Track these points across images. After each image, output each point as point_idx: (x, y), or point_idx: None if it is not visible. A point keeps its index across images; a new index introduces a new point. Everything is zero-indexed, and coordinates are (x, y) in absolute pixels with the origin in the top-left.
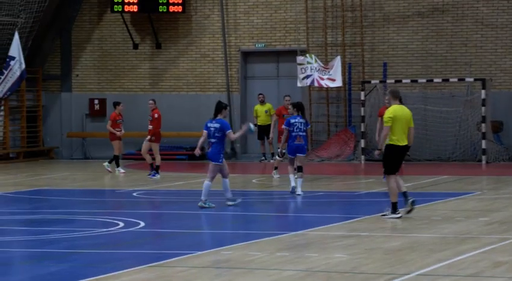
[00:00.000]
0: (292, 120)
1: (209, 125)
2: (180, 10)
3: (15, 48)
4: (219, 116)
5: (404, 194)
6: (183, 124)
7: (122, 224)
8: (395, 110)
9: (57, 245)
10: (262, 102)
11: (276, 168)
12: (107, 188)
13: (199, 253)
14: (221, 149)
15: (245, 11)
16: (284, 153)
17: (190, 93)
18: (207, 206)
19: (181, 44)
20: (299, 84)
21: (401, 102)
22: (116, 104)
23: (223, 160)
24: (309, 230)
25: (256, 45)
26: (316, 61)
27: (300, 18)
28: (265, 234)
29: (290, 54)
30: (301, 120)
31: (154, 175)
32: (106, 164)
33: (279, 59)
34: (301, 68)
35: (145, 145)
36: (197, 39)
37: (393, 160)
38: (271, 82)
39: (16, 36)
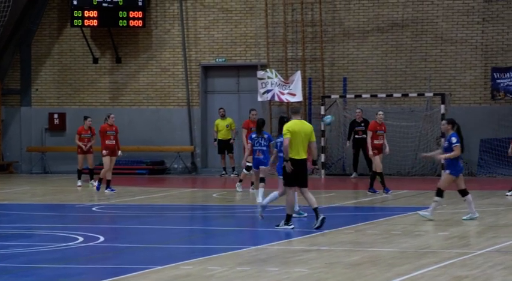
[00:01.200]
0: (254, 136)
1: (277, 140)
2: (141, 25)
3: None
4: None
5: (316, 210)
6: (143, 138)
7: (81, 239)
8: (294, 124)
9: (16, 260)
10: (223, 117)
11: (240, 181)
12: (66, 203)
13: (159, 267)
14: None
15: (205, 25)
16: (249, 166)
17: (151, 107)
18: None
19: (141, 58)
20: (259, 99)
21: (301, 117)
22: (84, 118)
23: None
24: (269, 244)
25: (217, 60)
26: (276, 76)
27: (260, 33)
28: (226, 248)
29: (250, 69)
30: (264, 135)
31: (113, 190)
32: (91, 182)
33: (240, 73)
34: (262, 83)
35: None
36: (157, 54)
37: (292, 172)
38: (231, 97)
39: None
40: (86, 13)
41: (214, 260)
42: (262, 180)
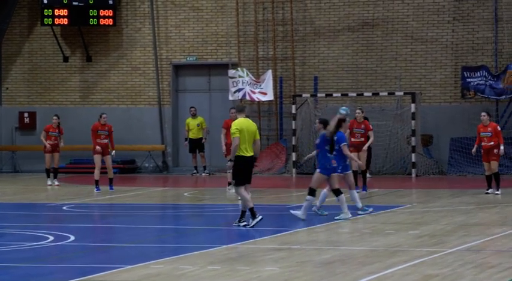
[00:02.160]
0: None
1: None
2: (111, 23)
3: None
4: (341, 130)
5: (252, 210)
6: (114, 137)
7: (51, 238)
8: (241, 122)
9: None
10: (194, 116)
11: (230, 183)
12: (37, 202)
13: (129, 266)
14: (340, 161)
15: (176, 24)
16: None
17: (122, 106)
18: (320, 213)
19: (112, 57)
20: (231, 98)
21: (246, 116)
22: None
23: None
24: (240, 243)
25: (188, 58)
26: (247, 75)
27: (231, 32)
28: (197, 247)
29: (222, 68)
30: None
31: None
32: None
33: (211, 72)
34: (233, 82)
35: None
36: (128, 52)
37: (241, 170)
38: (202, 95)
39: None
40: (56, 11)
41: (185, 259)
42: None
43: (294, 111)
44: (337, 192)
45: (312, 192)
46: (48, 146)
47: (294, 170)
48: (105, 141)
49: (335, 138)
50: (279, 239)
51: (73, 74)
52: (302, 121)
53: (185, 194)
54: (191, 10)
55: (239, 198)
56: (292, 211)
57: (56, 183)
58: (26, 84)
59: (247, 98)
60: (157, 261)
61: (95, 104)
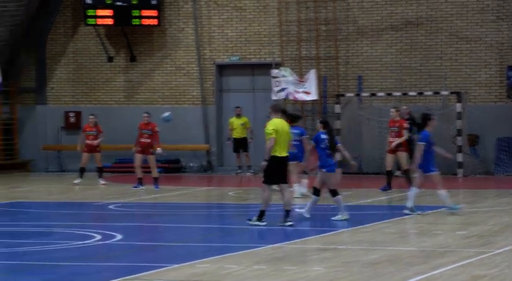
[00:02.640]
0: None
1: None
2: (155, 23)
3: None
4: (426, 128)
5: (262, 213)
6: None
7: (98, 237)
8: (276, 123)
9: (34, 257)
10: (239, 116)
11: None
12: (83, 201)
13: (176, 265)
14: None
15: (219, 24)
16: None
17: (165, 106)
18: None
19: (156, 57)
20: (274, 98)
21: (283, 115)
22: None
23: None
24: (286, 243)
25: (231, 58)
26: (291, 74)
27: (274, 31)
28: (242, 247)
29: (265, 68)
30: (295, 130)
31: (137, 187)
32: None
33: (254, 72)
34: (276, 81)
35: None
36: (172, 52)
37: (274, 169)
38: (246, 95)
39: None
40: (100, 12)
41: (231, 258)
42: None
43: (338, 110)
44: (334, 192)
45: (317, 192)
46: (78, 147)
47: (338, 170)
48: (148, 140)
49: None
50: (325, 239)
51: (117, 74)
52: (346, 121)
53: (230, 193)
54: (234, 10)
55: (295, 197)
56: (297, 210)
57: (102, 182)
58: (71, 84)
59: (291, 97)
60: (203, 260)
61: (139, 103)
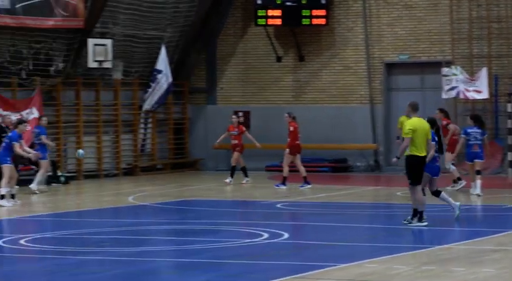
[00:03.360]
0: (470, 130)
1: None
2: (324, 23)
3: (162, 62)
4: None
5: (421, 213)
6: (325, 136)
7: (266, 235)
8: (414, 122)
9: (202, 255)
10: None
11: (455, 181)
12: (251, 199)
13: (343, 265)
14: None
15: (389, 22)
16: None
17: (333, 105)
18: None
19: (324, 56)
20: (444, 96)
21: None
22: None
23: None
24: (455, 244)
25: (400, 57)
26: (461, 73)
27: (444, 29)
28: (410, 248)
29: (435, 66)
30: (478, 130)
31: (303, 186)
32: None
33: (423, 70)
34: (446, 80)
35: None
36: (340, 52)
37: (415, 169)
38: (415, 94)
39: (163, 50)
40: (270, 12)
41: (399, 259)
42: (478, 172)
43: (509, 109)
44: (437, 193)
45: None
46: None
47: (510, 170)
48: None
49: None
50: (495, 240)
51: (286, 73)
52: None
53: (398, 193)
54: (404, 8)
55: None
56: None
57: (244, 181)
58: (241, 84)
59: (461, 96)
60: (370, 260)
61: (307, 103)
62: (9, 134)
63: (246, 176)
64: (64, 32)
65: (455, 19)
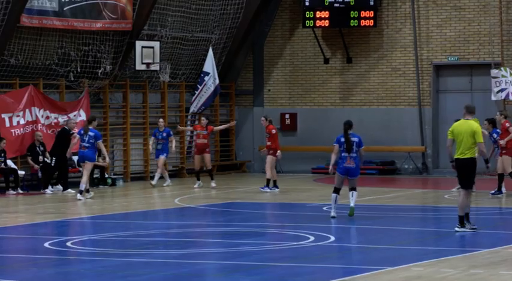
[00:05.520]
0: None
1: None
2: (372, 24)
3: (210, 64)
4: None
5: (463, 218)
6: (373, 138)
7: (312, 238)
8: (455, 125)
9: (248, 257)
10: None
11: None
12: (297, 202)
13: (390, 268)
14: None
15: (438, 24)
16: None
17: (381, 107)
18: None
19: (372, 58)
20: (493, 98)
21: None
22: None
23: None
24: (503, 247)
25: (449, 58)
26: (511, 74)
27: (494, 31)
28: (458, 251)
29: (484, 68)
30: None
31: (263, 188)
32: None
33: (473, 72)
34: (496, 82)
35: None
36: (388, 53)
37: (458, 173)
38: (464, 96)
39: (210, 52)
40: (318, 14)
41: (446, 262)
42: None
43: None
44: None
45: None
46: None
47: None
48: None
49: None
50: None
51: (333, 75)
52: None
53: (445, 196)
54: (453, 9)
55: None
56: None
57: (196, 185)
58: (288, 86)
59: (511, 98)
60: (418, 263)
61: (354, 105)
62: (90, 133)
63: (198, 179)
64: (112, 35)
65: (504, 20)
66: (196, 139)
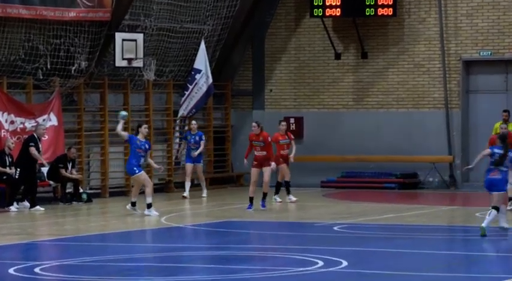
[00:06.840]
0: None
1: None
2: (391, 13)
3: (202, 60)
4: None
5: None
6: (392, 147)
7: (321, 263)
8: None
9: None
10: (506, 122)
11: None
12: (303, 221)
13: None
14: None
15: (468, 13)
16: None
17: (401, 110)
18: None
19: (391, 52)
20: None
21: None
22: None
23: None
24: None
25: (481, 53)
26: None
27: None
28: (491, 278)
29: None
30: None
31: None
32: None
33: (508, 69)
34: None
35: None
36: (410, 47)
37: None
38: (498, 97)
39: (202, 46)
40: (328, 1)
41: None
42: None
43: None
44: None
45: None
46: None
47: None
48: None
49: None
50: None
51: (345, 73)
52: None
53: (477, 214)
54: None
55: None
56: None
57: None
58: (293, 86)
59: None
60: None
61: (370, 107)
62: (139, 142)
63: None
64: (87, 26)
65: None
66: (280, 150)
